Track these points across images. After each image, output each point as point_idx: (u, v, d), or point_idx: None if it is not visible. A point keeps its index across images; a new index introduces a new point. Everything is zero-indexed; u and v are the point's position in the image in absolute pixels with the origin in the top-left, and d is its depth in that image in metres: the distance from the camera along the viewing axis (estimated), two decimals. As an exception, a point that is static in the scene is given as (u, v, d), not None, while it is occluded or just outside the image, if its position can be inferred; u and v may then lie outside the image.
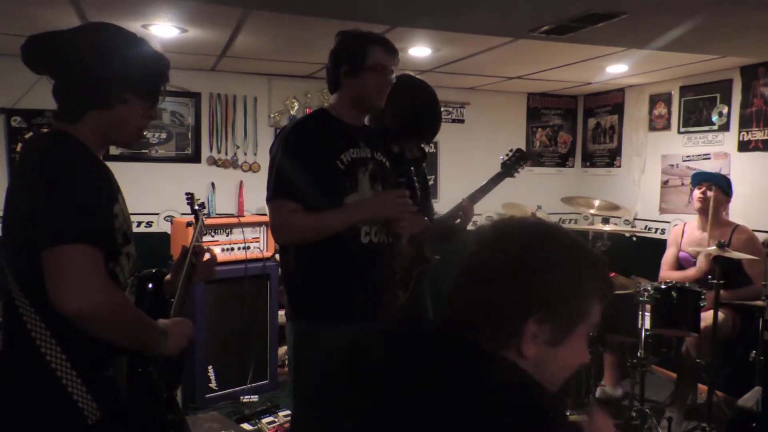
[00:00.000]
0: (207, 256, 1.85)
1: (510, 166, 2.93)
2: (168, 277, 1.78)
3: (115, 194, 1.44)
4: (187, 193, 2.23)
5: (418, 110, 2.56)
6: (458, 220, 2.65)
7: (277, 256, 4.22)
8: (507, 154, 2.97)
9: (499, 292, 0.92)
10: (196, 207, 2.14)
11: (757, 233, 3.80)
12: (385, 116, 2.57)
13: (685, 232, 3.92)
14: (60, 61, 1.42)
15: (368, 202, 2.08)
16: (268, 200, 2.08)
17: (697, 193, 3.76)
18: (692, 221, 3.92)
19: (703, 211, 3.73)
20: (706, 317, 3.23)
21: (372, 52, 2.08)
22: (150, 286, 1.70)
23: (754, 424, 2.76)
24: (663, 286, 3.19)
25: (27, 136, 4.02)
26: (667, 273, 3.90)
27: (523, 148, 5.52)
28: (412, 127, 2.57)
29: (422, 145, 2.77)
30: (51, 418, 1.34)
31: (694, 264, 3.78)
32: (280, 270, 2.31)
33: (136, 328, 1.42)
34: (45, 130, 1.52)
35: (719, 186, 3.71)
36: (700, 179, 3.77)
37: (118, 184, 1.49)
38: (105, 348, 1.36)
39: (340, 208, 2.03)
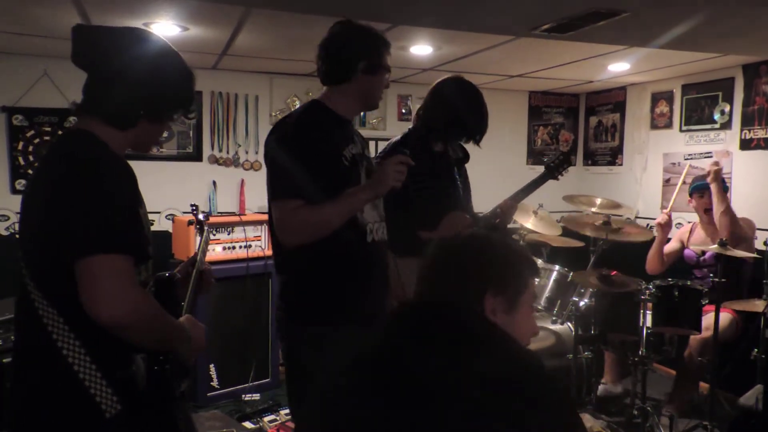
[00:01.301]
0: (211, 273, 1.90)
1: (554, 168, 2.92)
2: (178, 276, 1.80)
3: (140, 198, 1.45)
4: (192, 205, 2.23)
5: (461, 112, 2.58)
6: (498, 219, 2.65)
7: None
8: (550, 156, 2.98)
9: (460, 281, 1.22)
10: (201, 217, 2.13)
11: (758, 231, 3.81)
12: (432, 116, 2.60)
13: (693, 232, 3.95)
14: (117, 65, 1.44)
15: (369, 185, 2.03)
16: (272, 199, 1.99)
17: (700, 203, 3.77)
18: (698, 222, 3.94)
19: (707, 216, 3.75)
20: (709, 321, 3.23)
21: (385, 53, 2.10)
22: (164, 289, 1.71)
23: (755, 423, 2.76)
24: (665, 285, 3.19)
25: (29, 134, 4.02)
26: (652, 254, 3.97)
27: (525, 146, 5.54)
28: (456, 128, 2.61)
29: (465, 146, 2.79)
30: (67, 411, 1.36)
31: (697, 262, 3.79)
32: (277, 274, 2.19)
33: (167, 333, 1.45)
34: (68, 130, 1.53)
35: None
36: (702, 188, 3.77)
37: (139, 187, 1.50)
38: (126, 345, 1.38)
39: (341, 196, 1.95)
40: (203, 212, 2.16)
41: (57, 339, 1.34)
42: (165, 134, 4.49)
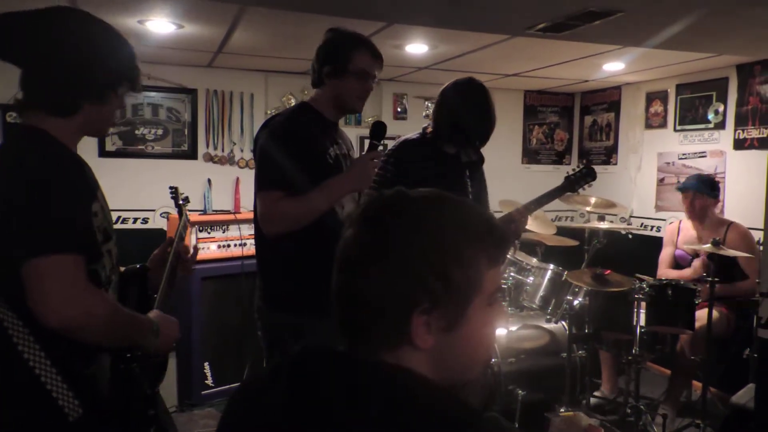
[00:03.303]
0: (191, 251, 1.85)
1: (574, 182, 2.86)
2: (149, 272, 1.75)
3: (93, 191, 1.39)
4: (171, 188, 2.19)
5: (462, 117, 2.55)
6: (513, 226, 2.63)
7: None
8: (574, 169, 2.90)
9: (367, 290, 0.81)
10: (180, 201, 2.12)
11: (751, 231, 3.82)
12: (437, 119, 2.59)
13: (680, 231, 3.95)
14: (44, 51, 1.36)
15: (348, 176, 2.06)
16: (256, 191, 2.08)
17: (683, 202, 3.80)
18: (687, 220, 3.94)
19: (693, 218, 3.77)
20: (701, 315, 3.24)
21: (356, 57, 2.10)
22: (134, 282, 1.68)
23: (748, 422, 2.77)
24: (658, 284, 3.20)
25: (9, 131, 4.00)
26: (665, 271, 3.92)
27: (520, 145, 5.54)
28: (458, 133, 2.57)
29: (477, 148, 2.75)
30: (29, 416, 1.31)
31: (691, 262, 3.80)
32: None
33: (125, 330, 1.40)
34: (15, 128, 1.45)
35: (701, 192, 3.72)
36: (683, 191, 3.80)
37: (96, 180, 1.44)
38: (86, 345, 1.33)
39: (320, 187, 2.01)
40: (182, 195, 2.15)
41: (18, 342, 1.28)
42: (160, 132, 4.47)
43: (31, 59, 1.38)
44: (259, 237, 2.18)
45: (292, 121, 2.12)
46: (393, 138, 2.93)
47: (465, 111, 2.55)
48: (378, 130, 2.12)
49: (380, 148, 2.16)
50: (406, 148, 2.59)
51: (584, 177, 2.87)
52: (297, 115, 2.16)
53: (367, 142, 2.21)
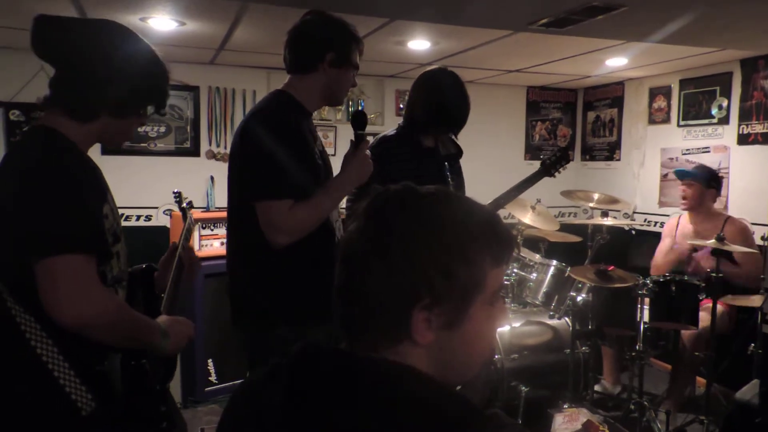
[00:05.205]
0: (195, 253, 1.85)
1: (550, 165, 2.89)
2: (157, 273, 1.77)
3: (104, 194, 1.41)
4: (174, 192, 2.19)
5: (441, 99, 2.52)
6: None
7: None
8: (546, 153, 2.94)
9: (369, 283, 0.81)
10: (184, 205, 2.11)
11: (755, 226, 3.81)
12: (414, 108, 2.57)
13: (679, 225, 3.95)
14: (81, 57, 1.40)
15: (350, 174, 1.98)
16: (260, 198, 1.87)
17: (678, 190, 3.80)
18: (686, 214, 3.94)
19: (688, 207, 3.77)
20: (702, 314, 3.24)
21: (356, 50, 2.04)
22: (140, 281, 1.68)
23: (752, 418, 2.77)
24: (662, 280, 3.19)
25: (25, 130, 4.01)
26: (654, 259, 3.97)
27: (523, 141, 5.53)
28: (437, 117, 2.54)
29: (455, 140, 2.74)
30: (43, 411, 1.32)
31: (689, 258, 3.79)
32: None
33: (135, 332, 1.42)
34: (31, 126, 1.47)
35: (698, 180, 3.71)
36: (679, 177, 3.81)
37: (106, 182, 1.46)
38: (98, 343, 1.35)
39: (325, 189, 1.94)
40: (186, 200, 2.13)
41: (30, 338, 1.30)
42: (163, 130, 4.47)
43: (64, 61, 1.42)
44: (242, 246, 2.00)
45: (280, 117, 1.95)
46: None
47: (444, 94, 2.52)
48: (362, 119, 2.02)
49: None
50: (385, 144, 2.54)
51: (559, 160, 2.91)
52: (283, 108, 1.99)
53: (369, 139, 2.18)
